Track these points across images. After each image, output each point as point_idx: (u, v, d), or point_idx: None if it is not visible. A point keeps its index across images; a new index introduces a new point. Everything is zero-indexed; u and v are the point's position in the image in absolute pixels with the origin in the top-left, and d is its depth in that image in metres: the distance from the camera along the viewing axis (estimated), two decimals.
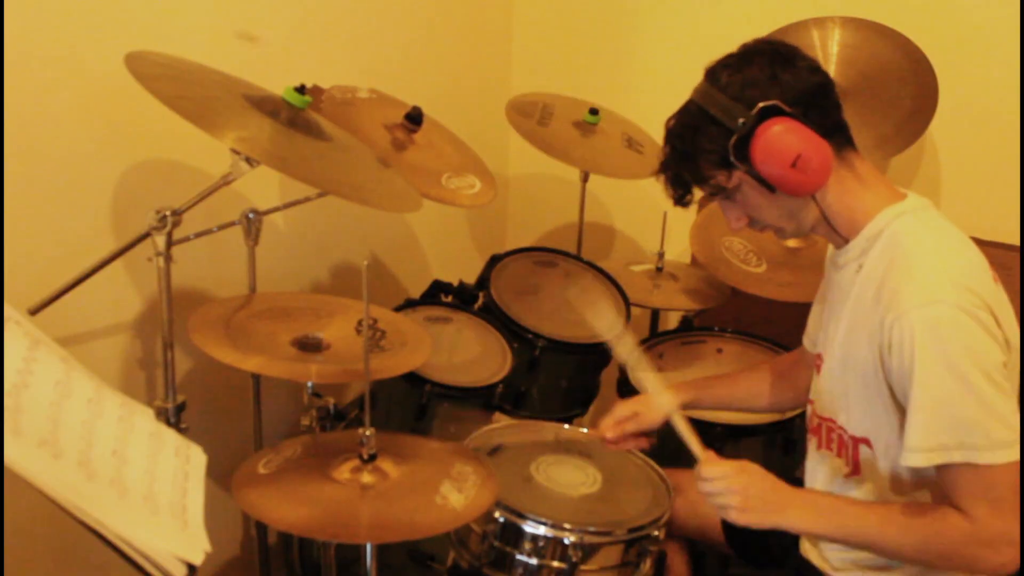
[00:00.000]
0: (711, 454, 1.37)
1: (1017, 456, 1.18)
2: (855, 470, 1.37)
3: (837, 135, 1.29)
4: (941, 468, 1.21)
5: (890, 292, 1.24)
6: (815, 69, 1.28)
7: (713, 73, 1.29)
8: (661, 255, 2.32)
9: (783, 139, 1.22)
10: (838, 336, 1.36)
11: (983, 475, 1.18)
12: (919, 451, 1.20)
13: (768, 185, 1.26)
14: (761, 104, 1.22)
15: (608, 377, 2.11)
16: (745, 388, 1.70)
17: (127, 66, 1.34)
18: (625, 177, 2.39)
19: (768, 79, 1.25)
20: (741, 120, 1.23)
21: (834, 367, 1.38)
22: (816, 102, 1.26)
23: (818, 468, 1.45)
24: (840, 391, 1.37)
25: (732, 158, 1.25)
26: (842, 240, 1.35)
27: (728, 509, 1.30)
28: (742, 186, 1.29)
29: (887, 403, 1.27)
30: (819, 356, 1.45)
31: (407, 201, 1.60)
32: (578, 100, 2.34)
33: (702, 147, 1.28)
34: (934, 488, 1.30)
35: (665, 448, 1.82)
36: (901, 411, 1.24)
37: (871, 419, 1.31)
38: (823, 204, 1.31)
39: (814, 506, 1.33)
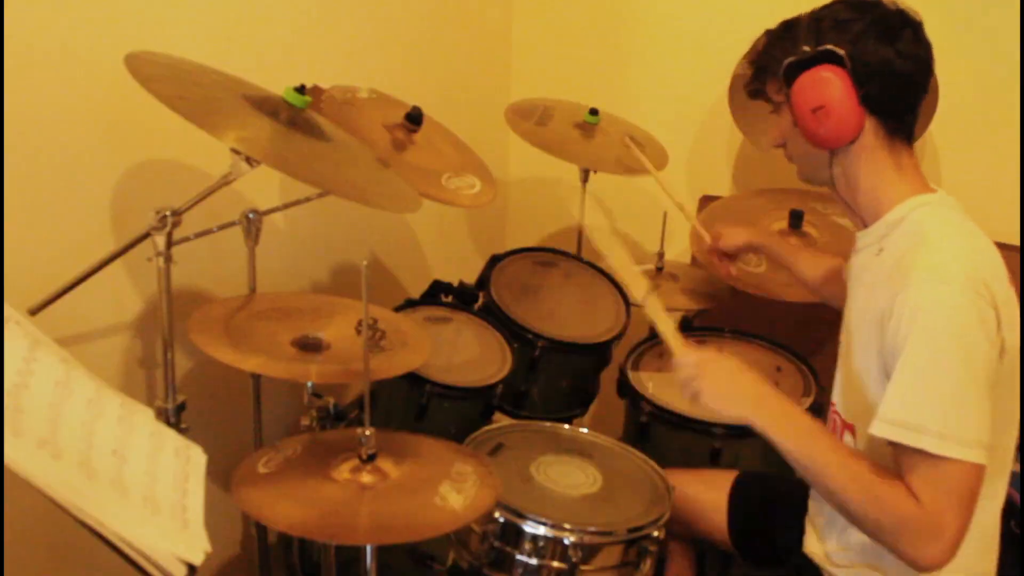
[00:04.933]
0: (688, 342, 1.36)
1: (974, 458, 1.15)
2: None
3: (892, 121, 1.30)
4: (900, 448, 1.19)
5: (904, 268, 1.24)
6: (910, 57, 1.26)
7: (833, 5, 1.31)
8: (661, 255, 2.32)
9: (818, 83, 1.26)
10: (850, 318, 1.37)
11: (940, 465, 1.16)
12: (887, 422, 1.18)
13: (794, 116, 1.31)
14: (827, 46, 1.25)
15: (608, 377, 2.11)
16: (809, 259, 1.80)
17: (127, 66, 1.34)
18: (627, 173, 2.39)
19: (856, 33, 1.26)
20: (805, 48, 1.27)
21: (843, 348, 1.39)
22: (887, 80, 1.26)
23: None
24: (843, 373, 1.37)
25: (781, 76, 1.30)
26: (858, 218, 1.36)
27: (698, 393, 1.29)
28: (783, 107, 1.35)
29: (877, 385, 1.26)
30: (840, 341, 1.45)
31: (407, 201, 1.60)
32: (578, 103, 2.34)
33: (773, 52, 1.34)
34: None
35: (666, 449, 1.83)
36: None
37: (860, 405, 1.31)
38: (847, 171, 1.33)
39: (788, 415, 1.28)
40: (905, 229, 1.30)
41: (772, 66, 1.34)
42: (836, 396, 1.42)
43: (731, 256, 1.93)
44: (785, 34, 1.33)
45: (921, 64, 1.28)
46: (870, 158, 1.31)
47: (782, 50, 1.32)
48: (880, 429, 1.19)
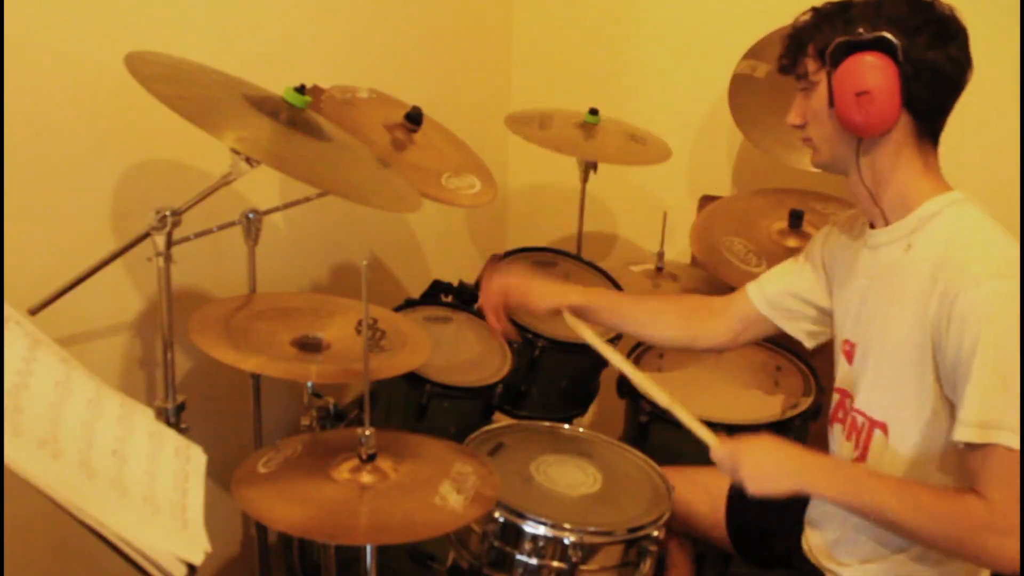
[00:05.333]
0: (718, 437, 1.38)
1: None
2: (863, 455, 1.36)
3: (927, 122, 1.30)
4: (976, 448, 1.19)
5: (954, 267, 1.23)
6: (959, 63, 1.27)
7: None
8: (661, 255, 2.32)
9: (868, 69, 1.24)
10: (876, 317, 1.35)
11: (1007, 460, 1.16)
12: (972, 426, 1.18)
13: (832, 98, 1.28)
14: (883, 34, 1.24)
15: (608, 377, 2.11)
16: (645, 310, 1.67)
17: (127, 66, 1.34)
18: (631, 164, 2.39)
19: (913, 28, 1.25)
20: (860, 30, 1.25)
21: (869, 347, 1.37)
22: (931, 81, 1.26)
23: (833, 441, 1.45)
24: (868, 370, 1.36)
25: (828, 53, 1.27)
26: (878, 212, 1.35)
27: (745, 482, 1.31)
28: (818, 86, 1.32)
29: (923, 384, 1.26)
30: (847, 341, 1.43)
31: (407, 201, 1.60)
32: (577, 109, 2.34)
33: (822, 28, 1.30)
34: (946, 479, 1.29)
35: (666, 449, 1.83)
36: (936, 394, 1.24)
37: (896, 402, 1.31)
38: (876, 163, 1.32)
39: (833, 471, 1.31)
40: (940, 224, 1.29)
41: (816, 42, 1.31)
42: (851, 387, 1.40)
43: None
44: (838, 14, 1.30)
45: (964, 72, 1.28)
46: (901, 154, 1.31)
47: (833, 29, 1.29)
48: (963, 434, 1.19)
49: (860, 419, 1.37)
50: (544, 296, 1.61)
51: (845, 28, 1.27)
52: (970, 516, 1.19)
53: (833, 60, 1.27)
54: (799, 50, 1.34)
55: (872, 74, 1.24)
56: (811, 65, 1.33)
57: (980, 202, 1.33)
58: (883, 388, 1.33)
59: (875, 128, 1.28)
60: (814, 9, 1.34)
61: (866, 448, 1.36)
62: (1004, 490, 1.17)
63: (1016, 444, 1.16)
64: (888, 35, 1.23)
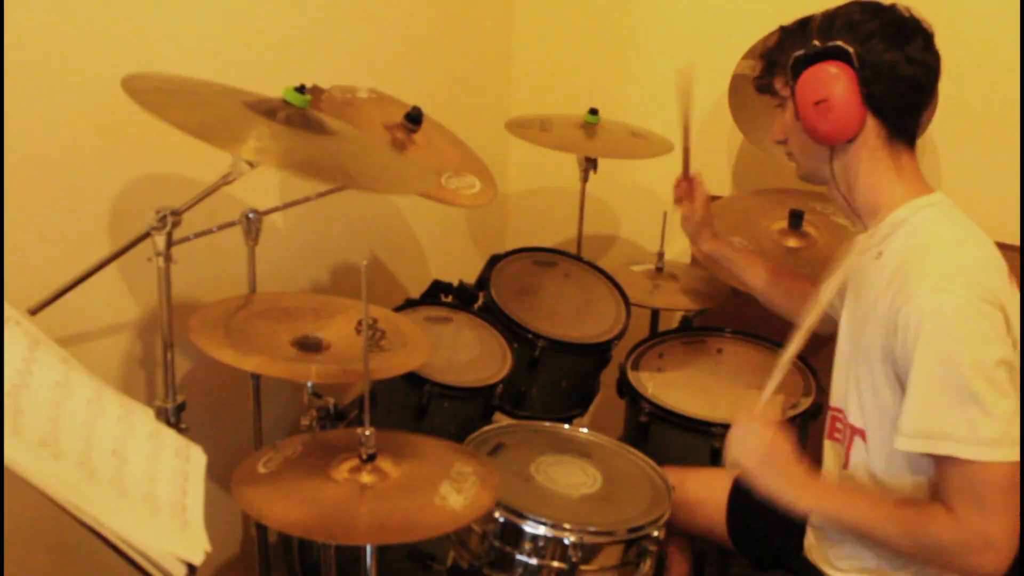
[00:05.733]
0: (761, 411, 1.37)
1: (1007, 457, 1.17)
2: (846, 463, 1.37)
3: (893, 124, 1.31)
4: (934, 459, 1.21)
5: (903, 277, 1.25)
6: (918, 63, 1.28)
7: (848, 5, 1.33)
8: (661, 255, 2.32)
9: (822, 78, 1.28)
10: (852, 324, 1.37)
11: (966, 471, 1.17)
12: (906, 435, 1.21)
13: (796, 110, 1.32)
14: (837, 42, 1.27)
15: (608, 377, 2.11)
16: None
17: (124, 88, 1.31)
18: (633, 157, 2.39)
19: (867, 33, 1.27)
20: (815, 43, 1.29)
21: (845, 352, 1.39)
22: (891, 82, 1.27)
23: (826, 458, 1.46)
24: (849, 377, 1.37)
25: (788, 68, 1.32)
26: (857, 218, 1.37)
27: (739, 464, 1.33)
28: (788, 101, 1.36)
29: (891, 392, 1.27)
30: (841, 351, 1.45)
31: (420, 182, 1.60)
32: (577, 110, 2.34)
33: (784, 45, 1.36)
34: (921, 491, 1.30)
35: (666, 449, 1.83)
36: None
37: (872, 410, 1.32)
38: (847, 169, 1.34)
39: (814, 490, 1.32)
40: (906, 232, 1.31)
41: (781, 60, 1.35)
42: (840, 402, 1.41)
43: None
44: (798, 30, 1.35)
45: (928, 71, 1.30)
46: (870, 157, 1.32)
47: (792, 45, 1.33)
48: (902, 443, 1.21)
49: (843, 426, 1.39)
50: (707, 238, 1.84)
51: (803, 42, 1.31)
52: (938, 525, 1.20)
53: (794, 74, 1.31)
54: (770, 69, 1.40)
55: (827, 82, 1.27)
56: (779, 82, 1.38)
57: (954, 204, 1.34)
58: (861, 395, 1.35)
59: (839, 134, 1.30)
60: (780, 28, 1.39)
61: (848, 456, 1.37)
62: (965, 503, 1.18)
63: (962, 453, 1.17)
64: (841, 43, 1.26)
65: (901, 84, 1.28)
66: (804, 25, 1.34)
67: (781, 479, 1.31)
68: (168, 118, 1.29)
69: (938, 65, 1.31)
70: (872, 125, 1.30)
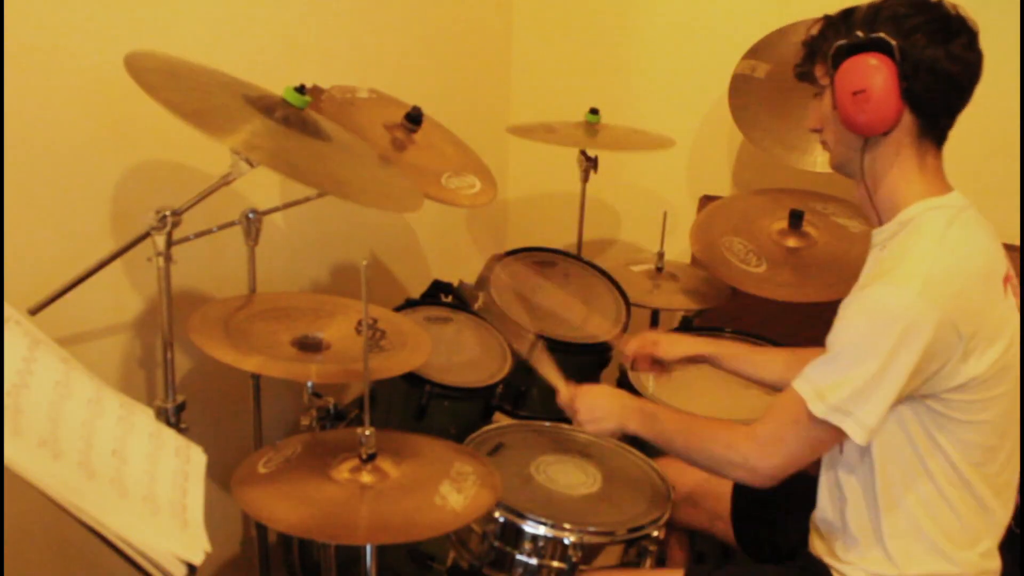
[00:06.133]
0: (566, 385, 1.58)
1: (826, 417, 1.24)
2: (840, 448, 1.38)
3: (927, 120, 1.31)
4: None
5: (882, 271, 1.28)
6: (959, 61, 1.28)
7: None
8: (661, 255, 2.32)
9: (863, 68, 1.28)
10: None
11: (795, 405, 1.27)
12: (801, 375, 1.29)
13: (834, 100, 1.33)
14: (880, 34, 1.27)
15: (608, 377, 2.11)
16: (763, 360, 1.77)
17: (126, 67, 1.33)
18: (634, 150, 2.39)
19: (910, 28, 1.27)
20: (858, 32, 1.29)
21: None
22: (931, 79, 1.27)
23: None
24: None
25: (830, 56, 1.32)
26: (874, 213, 1.38)
27: (584, 424, 1.53)
28: (827, 90, 1.36)
29: None
30: None
31: (408, 201, 1.60)
32: (577, 111, 2.34)
33: (827, 34, 1.36)
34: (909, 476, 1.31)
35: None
36: None
37: None
38: (876, 162, 1.35)
39: (642, 412, 1.48)
40: (908, 231, 1.31)
41: (823, 49, 1.36)
42: None
43: (663, 365, 1.81)
44: (841, 20, 1.35)
45: (969, 70, 1.29)
46: (897, 152, 1.33)
47: (835, 33, 1.33)
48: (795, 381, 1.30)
49: None
50: (675, 345, 1.76)
51: (846, 32, 1.31)
52: (732, 433, 1.34)
53: (835, 63, 1.31)
54: (811, 57, 1.39)
55: (867, 73, 1.27)
56: (819, 70, 1.38)
57: (971, 206, 1.34)
58: None
59: (875, 126, 1.30)
60: (824, 17, 1.39)
61: (842, 443, 1.38)
62: (771, 416, 1.32)
63: (806, 395, 1.26)
64: (884, 35, 1.26)
65: (941, 81, 1.28)
66: (848, 15, 1.34)
67: (610, 412, 1.50)
68: (164, 100, 1.30)
69: (980, 64, 1.30)
70: (907, 120, 1.31)
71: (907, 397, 1.25)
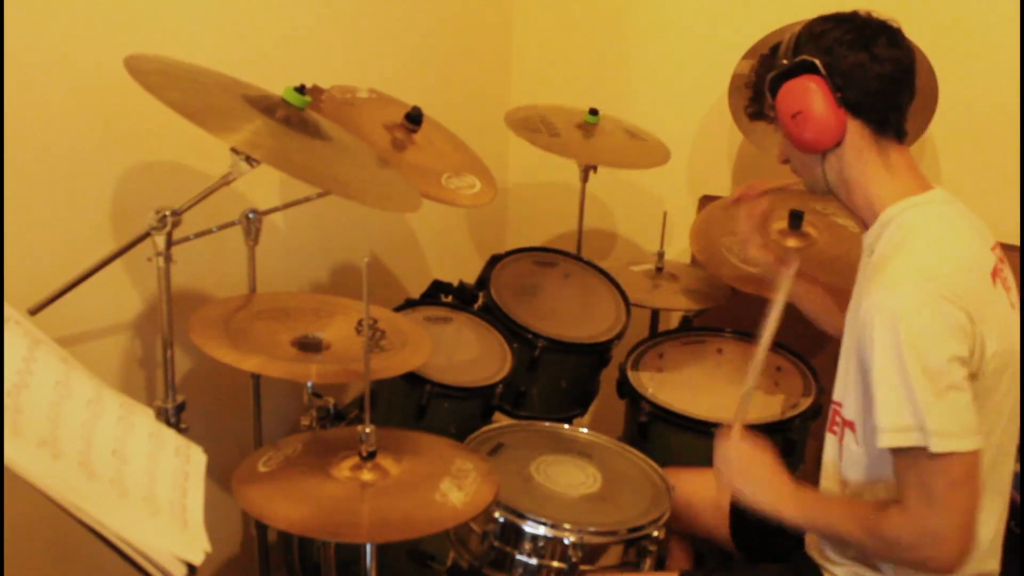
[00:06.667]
0: (738, 428, 1.43)
1: (953, 447, 1.18)
2: (841, 455, 1.39)
3: (876, 122, 1.34)
4: (896, 453, 1.24)
5: (874, 273, 1.29)
6: (886, 60, 1.31)
7: (812, 20, 1.38)
8: (661, 255, 2.32)
9: (794, 91, 1.34)
10: (849, 318, 1.40)
11: (915, 461, 1.20)
12: (881, 431, 1.23)
13: (782, 127, 1.38)
14: (802, 57, 1.33)
15: (608, 377, 2.11)
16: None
17: (127, 68, 1.33)
18: (630, 167, 2.39)
19: (830, 42, 1.32)
20: (784, 61, 1.36)
21: (844, 347, 1.41)
22: (861, 84, 1.31)
23: (826, 451, 1.46)
24: (842, 371, 1.40)
25: (767, 90, 1.39)
26: (859, 220, 1.41)
27: (722, 478, 1.40)
28: (776, 121, 1.41)
29: (864, 387, 1.29)
30: None
31: (407, 201, 1.60)
32: (577, 108, 2.34)
33: (761, 72, 1.42)
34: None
35: (666, 449, 1.83)
36: None
37: (860, 403, 1.33)
38: (841, 174, 1.38)
39: (794, 498, 1.35)
40: (891, 230, 1.33)
41: (761, 85, 1.41)
42: (840, 396, 1.43)
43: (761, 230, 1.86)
44: (769, 55, 1.41)
45: (899, 65, 1.33)
46: (858, 159, 1.36)
47: (767, 68, 1.40)
48: (880, 440, 1.23)
49: (839, 418, 1.41)
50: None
51: (775, 64, 1.38)
52: (892, 520, 1.23)
53: (772, 94, 1.38)
54: (757, 96, 1.45)
55: (798, 95, 1.34)
56: (767, 105, 1.43)
57: (953, 200, 1.35)
58: (852, 388, 1.36)
59: (822, 141, 1.35)
60: (759, 56, 1.46)
61: (841, 448, 1.39)
62: (915, 496, 1.21)
63: (930, 445, 1.18)
64: (807, 56, 1.32)
65: (873, 82, 1.32)
66: (775, 50, 1.40)
67: (766, 491, 1.36)
68: (166, 99, 1.30)
69: (909, 58, 1.34)
70: (855, 127, 1.34)
71: None
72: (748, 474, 1.38)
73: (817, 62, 1.31)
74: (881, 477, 1.32)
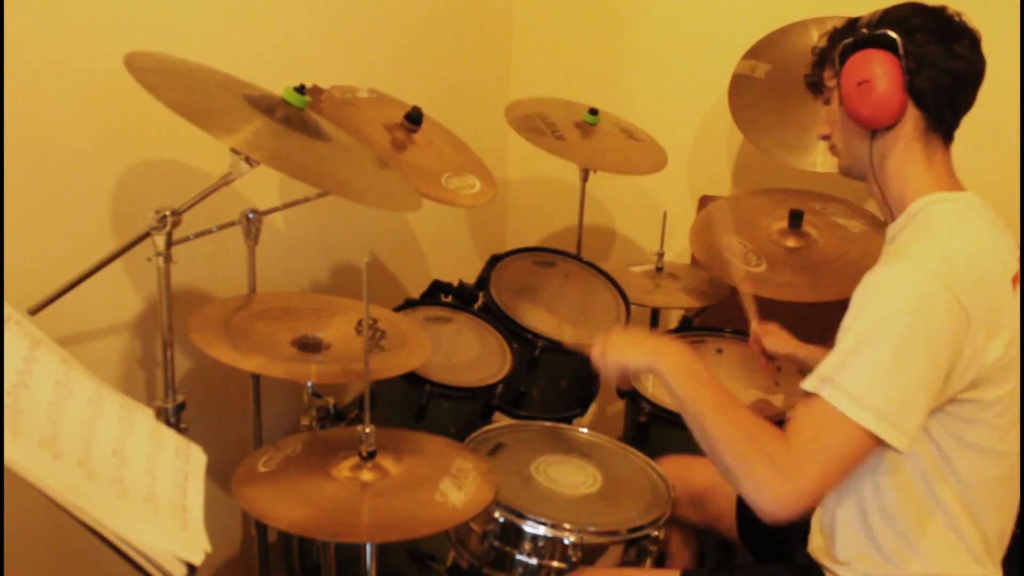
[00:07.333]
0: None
1: (865, 422, 1.16)
2: None
3: (933, 116, 1.34)
4: (806, 396, 1.22)
5: (884, 261, 1.29)
6: (962, 59, 1.31)
7: (900, 4, 1.36)
8: (661, 255, 2.32)
9: (867, 60, 1.32)
10: None
11: (822, 412, 1.19)
12: (812, 378, 1.22)
13: (841, 95, 1.36)
14: (885, 31, 1.31)
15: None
16: None
17: (126, 66, 1.33)
18: (629, 172, 2.39)
19: (914, 27, 1.31)
20: (863, 31, 1.34)
21: None
22: (934, 75, 1.30)
23: None
24: None
25: (836, 54, 1.36)
26: (887, 209, 1.40)
27: (607, 349, 1.40)
28: (834, 91, 1.39)
29: None
30: None
31: (407, 201, 1.60)
32: (576, 104, 2.34)
33: (834, 40, 1.40)
34: (913, 475, 1.29)
35: (665, 449, 1.83)
36: None
37: None
38: (884, 157, 1.36)
39: (685, 363, 1.33)
40: (917, 222, 1.33)
41: (831, 54, 1.40)
42: None
43: (769, 356, 1.85)
44: (847, 26, 1.39)
45: (971, 69, 1.33)
46: (905, 147, 1.35)
47: (842, 37, 1.38)
48: (804, 383, 1.23)
49: None
50: (779, 342, 1.81)
51: (852, 34, 1.36)
52: (768, 443, 1.21)
53: (841, 60, 1.36)
54: (820, 64, 1.44)
55: (871, 64, 1.31)
56: (828, 74, 1.41)
57: (988, 209, 1.35)
58: None
59: (880, 117, 1.33)
60: (833, 28, 1.43)
61: None
62: (803, 437, 1.20)
63: (834, 400, 1.18)
64: (888, 31, 1.30)
65: (944, 77, 1.31)
66: (853, 22, 1.39)
67: (656, 347, 1.35)
68: (165, 100, 1.30)
69: (982, 67, 1.34)
70: (912, 115, 1.34)
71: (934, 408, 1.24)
72: (629, 336, 1.41)
73: (898, 40, 1.30)
74: (877, 469, 1.31)
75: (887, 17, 1.34)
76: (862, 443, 1.18)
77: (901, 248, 1.29)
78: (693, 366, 1.32)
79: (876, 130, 1.35)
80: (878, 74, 1.30)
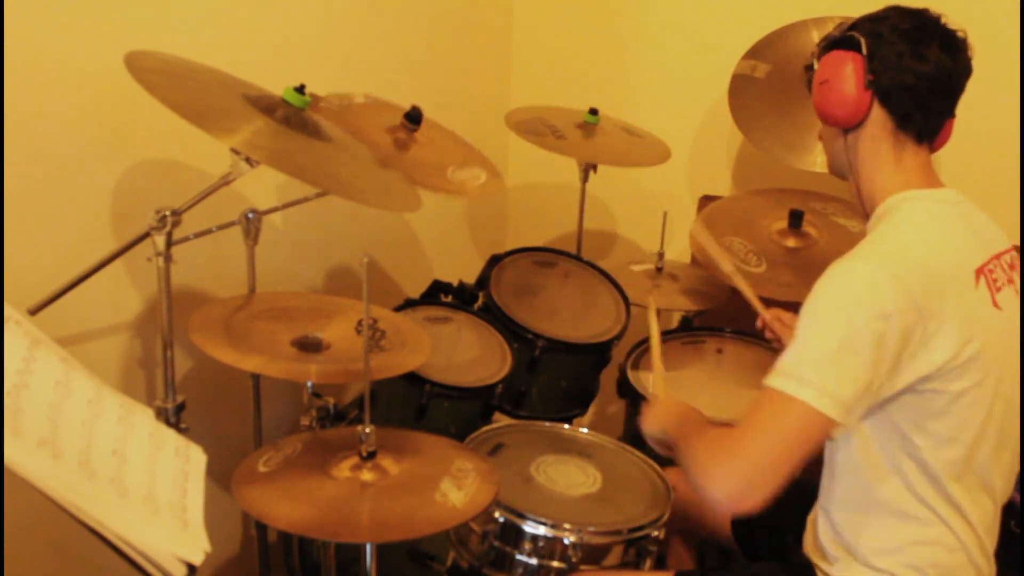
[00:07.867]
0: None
1: (803, 396, 1.16)
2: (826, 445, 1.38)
3: (900, 116, 1.34)
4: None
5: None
6: (929, 61, 1.30)
7: (887, 7, 1.38)
8: (661, 255, 2.32)
9: (831, 61, 1.36)
10: None
11: (764, 395, 1.20)
12: (772, 374, 1.22)
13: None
14: (852, 33, 1.34)
15: (608, 377, 2.11)
16: None
17: (126, 65, 1.33)
18: (630, 165, 2.39)
19: (883, 28, 1.33)
20: (835, 32, 1.38)
21: None
22: (896, 74, 1.31)
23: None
24: None
25: (814, 56, 1.42)
26: (863, 210, 1.41)
27: (645, 418, 1.45)
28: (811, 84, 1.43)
29: None
30: None
31: (407, 201, 1.60)
32: (577, 109, 2.34)
33: (823, 38, 1.44)
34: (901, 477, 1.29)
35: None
36: None
37: None
38: (856, 156, 1.38)
39: (682, 415, 1.40)
40: (886, 221, 1.33)
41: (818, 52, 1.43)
42: None
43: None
44: (837, 26, 1.42)
45: (940, 70, 1.32)
46: (873, 147, 1.36)
47: (826, 38, 1.42)
48: (765, 380, 1.24)
49: None
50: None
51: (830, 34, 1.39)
52: (716, 435, 1.24)
53: (817, 60, 1.40)
54: (809, 65, 1.46)
55: (832, 65, 1.35)
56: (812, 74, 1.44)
57: (966, 202, 1.35)
58: None
59: (842, 116, 1.35)
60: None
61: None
62: (747, 420, 1.21)
63: (778, 384, 1.19)
64: (855, 33, 1.33)
65: (908, 77, 1.31)
66: (839, 25, 1.41)
67: (667, 416, 1.41)
68: (165, 100, 1.30)
69: (955, 69, 1.33)
70: (879, 115, 1.34)
71: (886, 398, 1.24)
72: (651, 411, 1.44)
73: (862, 41, 1.32)
74: (874, 463, 1.31)
75: (864, 18, 1.36)
76: (802, 417, 1.18)
77: (860, 244, 1.29)
78: (691, 417, 1.39)
79: (848, 129, 1.37)
80: (838, 74, 1.33)
